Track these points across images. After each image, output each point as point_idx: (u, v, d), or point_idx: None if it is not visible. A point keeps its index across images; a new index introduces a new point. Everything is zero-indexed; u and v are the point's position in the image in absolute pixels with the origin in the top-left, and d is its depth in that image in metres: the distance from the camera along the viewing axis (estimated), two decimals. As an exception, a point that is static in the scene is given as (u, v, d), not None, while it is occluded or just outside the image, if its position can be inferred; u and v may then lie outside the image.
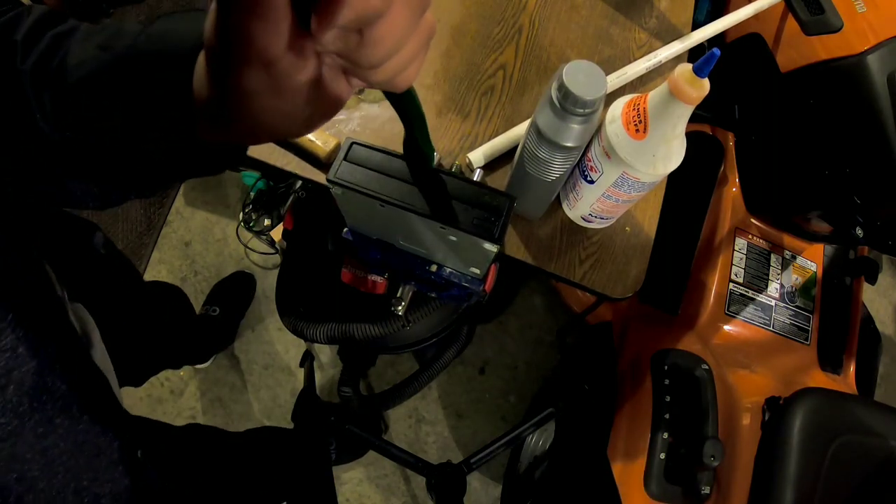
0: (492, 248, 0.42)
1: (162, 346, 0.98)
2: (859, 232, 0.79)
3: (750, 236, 1.00)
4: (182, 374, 1.38)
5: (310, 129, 0.28)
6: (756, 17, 0.72)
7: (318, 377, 1.36)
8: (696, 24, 0.75)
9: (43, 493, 0.32)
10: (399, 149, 0.44)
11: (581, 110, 0.43)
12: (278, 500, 0.90)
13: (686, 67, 0.41)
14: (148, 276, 1.45)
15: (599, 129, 0.50)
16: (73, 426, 0.33)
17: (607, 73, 0.67)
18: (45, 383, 0.31)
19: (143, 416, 0.62)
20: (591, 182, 0.53)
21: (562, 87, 0.42)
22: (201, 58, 0.27)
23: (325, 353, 1.42)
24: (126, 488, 0.37)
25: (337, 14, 0.20)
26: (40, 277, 0.37)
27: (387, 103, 0.65)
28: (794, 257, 1.02)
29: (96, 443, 0.35)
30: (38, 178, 0.35)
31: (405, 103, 0.32)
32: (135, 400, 1.35)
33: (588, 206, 0.57)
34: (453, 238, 0.44)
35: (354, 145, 0.44)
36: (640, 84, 0.71)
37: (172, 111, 0.29)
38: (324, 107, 0.26)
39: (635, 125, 0.47)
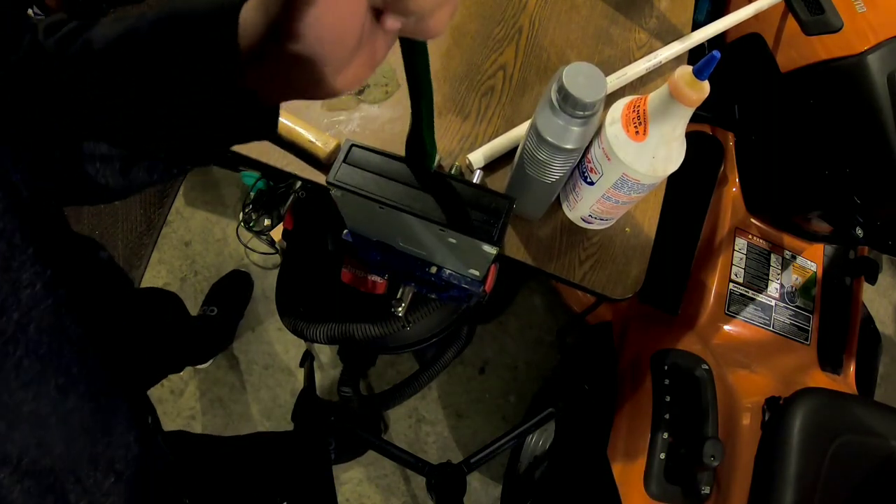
0: (491, 250, 0.42)
1: (159, 355, 0.97)
2: (859, 232, 0.79)
3: (750, 236, 1.00)
4: (182, 374, 1.38)
5: (346, 86, 0.29)
6: (756, 17, 0.71)
7: (318, 377, 1.36)
8: (696, 25, 0.75)
9: (60, 459, 0.31)
10: (399, 150, 0.44)
11: (581, 112, 0.43)
12: (278, 499, 0.90)
13: (686, 70, 0.41)
14: (148, 276, 1.45)
15: (599, 130, 0.50)
16: (90, 378, 0.32)
17: (607, 74, 0.67)
18: (63, 324, 0.31)
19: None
20: (591, 183, 0.53)
21: (561, 90, 0.42)
22: (249, 7, 0.27)
23: (325, 353, 1.42)
24: (137, 455, 0.36)
25: None
26: (59, 219, 0.36)
27: (387, 104, 0.65)
28: (794, 257, 1.02)
29: (111, 403, 0.34)
30: (56, 142, 0.34)
31: (419, 79, 0.33)
32: (135, 400, 1.35)
33: (588, 207, 0.57)
34: (452, 240, 0.44)
35: (354, 147, 0.44)
36: (640, 85, 0.71)
37: (219, 64, 0.29)
38: (364, 60, 0.28)
39: (635, 127, 0.47)
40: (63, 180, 0.35)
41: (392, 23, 0.26)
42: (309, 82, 0.28)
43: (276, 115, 0.34)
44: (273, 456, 0.93)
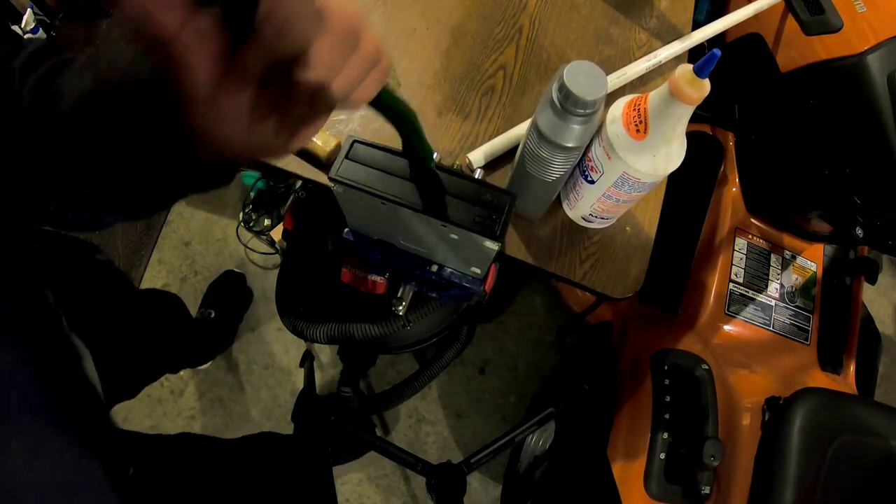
0: (493, 245, 0.43)
1: (155, 357, 0.97)
2: (859, 232, 0.79)
3: (750, 236, 1.01)
4: (182, 374, 1.37)
5: (279, 150, 0.29)
6: (756, 17, 0.72)
7: (318, 377, 1.36)
8: (696, 25, 0.75)
9: None
10: (400, 146, 0.44)
11: (581, 111, 0.43)
12: (278, 499, 0.90)
13: (686, 68, 0.41)
14: (148, 276, 1.45)
15: (600, 129, 0.50)
16: (63, 443, 0.33)
17: (607, 73, 0.67)
18: (38, 394, 0.31)
19: (134, 431, 0.62)
20: (592, 182, 0.53)
21: (562, 88, 0.42)
22: None
23: (325, 353, 1.42)
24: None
25: (252, 61, 0.22)
26: (35, 288, 0.37)
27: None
28: (794, 257, 1.02)
29: (84, 465, 0.35)
30: (29, 198, 0.35)
31: (390, 113, 0.33)
32: (134, 400, 1.34)
33: (588, 206, 0.57)
34: (454, 236, 0.44)
35: (356, 143, 0.44)
36: (640, 84, 0.71)
37: (166, 132, 0.30)
38: (291, 129, 0.28)
39: (636, 125, 0.47)
40: (35, 219, 0.36)
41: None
42: (235, 153, 0.28)
43: (230, 167, 0.35)
44: (273, 457, 0.93)
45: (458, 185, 0.43)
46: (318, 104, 0.27)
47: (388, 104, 0.33)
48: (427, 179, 0.42)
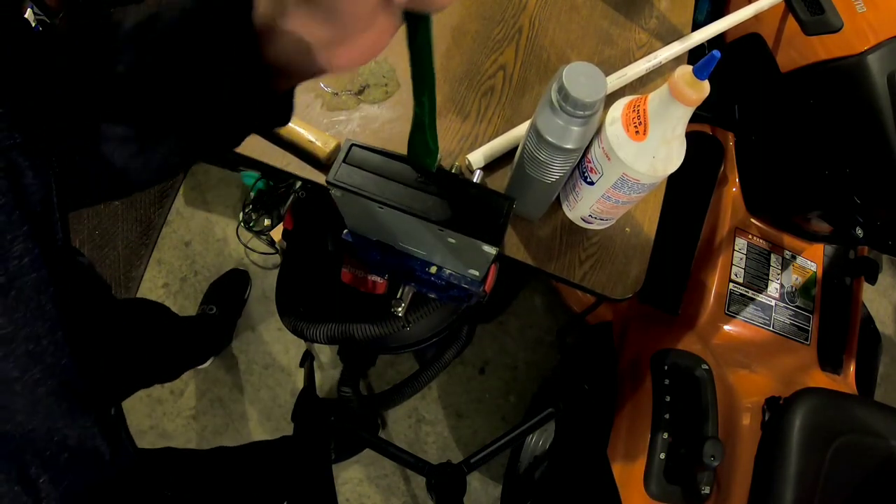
0: (491, 250, 0.43)
1: (137, 367, 0.96)
2: (859, 232, 0.79)
3: (750, 236, 1.00)
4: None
5: (352, 62, 0.31)
6: (756, 17, 0.72)
7: (318, 377, 1.36)
8: (697, 25, 0.75)
9: (20, 427, 0.33)
10: (399, 149, 0.44)
11: (581, 112, 0.43)
12: (278, 499, 0.90)
13: (686, 69, 0.41)
14: (148, 276, 1.45)
15: (599, 130, 0.50)
16: (56, 356, 0.34)
17: (607, 74, 0.67)
18: (40, 301, 0.32)
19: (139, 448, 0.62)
20: (591, 183, 0.53)
21: (562, 89, 0.42)
22: None
23: (325, 353, 1.42)
24: (94, 438, 0.38)
25: None
26: (52, 210, 0.37)
27: (386, 104, 0.65)
28: (794, 257, 1.02)
29: (74, 383, 0.36)
30: (73, 126, 0.35)
31: (423, 53, 0.35)
32: (135, 400, 1.35)
33: (588, 207, 0.57)
34: (452, 240, 0.44)
35: (354, 147, 0.44)
36: (640, 85, 0.71)
37: (237, 47, 0.31)
38: (371, 38, 0.30)
39: (635, 127, 0.47)
40: (77, 168, 0.36)
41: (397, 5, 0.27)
42: (317, 54, 0.29)
43: (291, 101, 0.36)
44: (273, 461, 0.93)
45: (456, 189, 0.43)
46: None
47: (424, 56, 0.35)
48: (429, 179, 0.42)
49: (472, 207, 0.42)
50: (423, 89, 0.37)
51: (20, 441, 0.33)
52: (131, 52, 0.32)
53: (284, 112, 0.36)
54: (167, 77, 0.32)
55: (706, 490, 0.76)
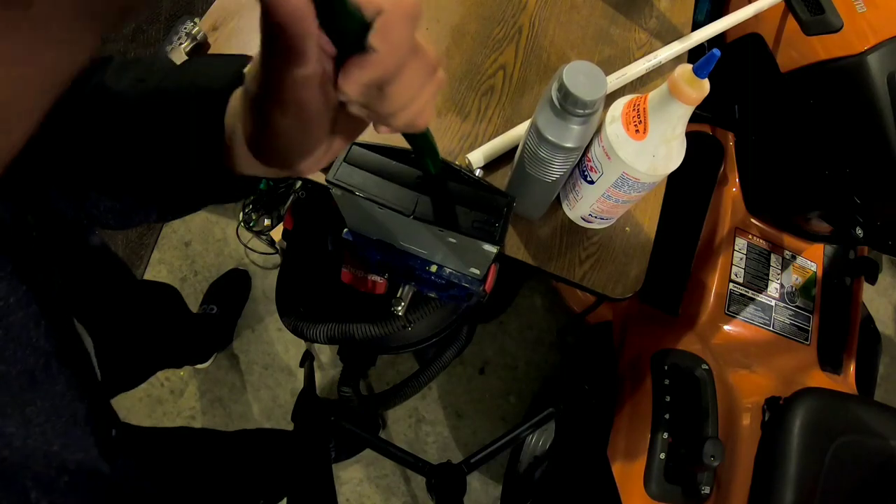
0: (492, 249, 0.42)
1: (156, 347, 0.97)
2: (859, 232, 0.79)
3: (750, 236, 1.00)
4: (182, 374, 1.38)
5: (326, 161, 0.32)
6: (756, 16, 0.72)
7: (318, 377, 1.36)
8: (696, 25, 0.75)
9: (17, 453, 0.33)
10: (400, 145, 0.44)
11: (581, 111, 0.43)
12: (278, 498, 0.90)
13: (686, 68, 0.41)
14: (148, 277, 1.45)
15: (599, 129, 0.50)
16: (51, 385, 0.34)
17: (607, 74, 0.67)
18: (31, 337, 0.33)
19: (131, 424, 0.62)
20: (591, 182, 0.53)
21: (562, 88, 0.42)
22: (237, 96, 0.32)
23: (325, 353, 1.42)
24: (95, 460, 0.38)
25: (358, 75, 0.24)
26: (37, 247, 0.38)
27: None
28: (794, 257, 1.02)
29: (71, 408, 0.36)
30: (64, 191, 0.36)
31: (419, 140, 0.34)
32: (134, 400, 1.35)
33: (588, 206, 0.57)
34: (453, 240, 0.44)
35: (354, 146, 0.44)
36: (640, 84, 0.71)
37: (205, 141, 0.33)
38: (341, 143, 0.31)
39: (635, 125, 0.47)
40: (65, 218, 0.38)
41: (358, 111, 0.27)
42: (289, 163, 0.30)
43: (255, 181, 0.38)
44: (275, 452, 0.93)
45: (457, 188, 0.43)
46: (392, 122, 0.28)
47: (424, 136, 0.34)
48: (435, 188, 0.42)
49: (473, 207, 0.42)
50: (424, 158, 0.37)
51: (19, 466, 0.33)
52: (109, 123, 0.34)
53: (248, 190, 0.39)
54: (139, 157, 0.34)
55: (706, 490, 0.76)
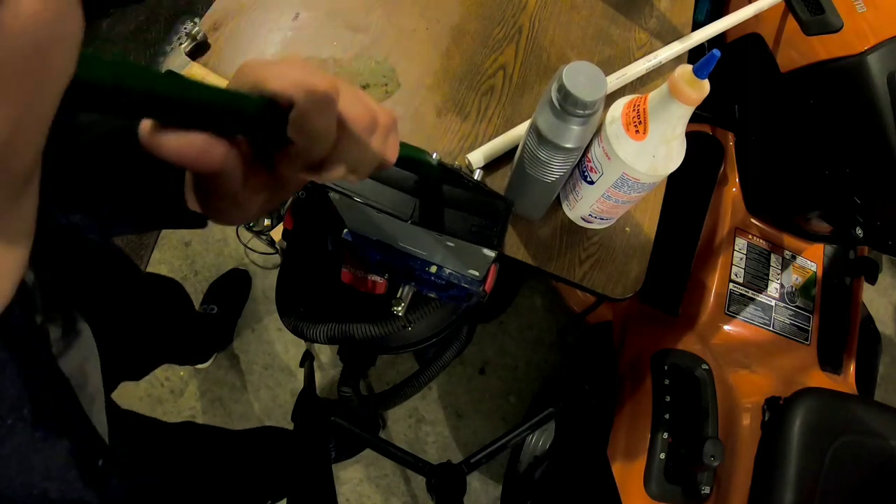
0: (491, 253, 0.43)
1: (161, 339, 0.97)
2: (859, 232, 0.79)
3: (750, 236, 1.00)
4: (182, 373, 1.38)
5: (271, 207, 0.33)
6: (756, 16, 0.72)
7: (318, 377, 1.36)
8: (697, 25, 0.75)
9: None
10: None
11: (581, 112, 0.43)
12: (278, 497, 0.90)
13: (686, 68, 0.41)
14: (148, 276, 1.46)
15: (599, 129, 0.50)
16: (24, 427, 0.33)
17: (607, 74, 0.67)
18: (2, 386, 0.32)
19: (135, 412, 0.62)
20: (591, 183, 0.53)
21: (561, 89, 0.42)
22: None
23: (325, 353, 1.42)
24: (81, 491, 0.37)
25: (288, 166, 0.26)
26: None
27: (386, 104, 0.65)
28: (794, 257, 1.02)
29: (46, 446, 0.35)
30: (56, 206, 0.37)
31: (402, 164, 0.35)
32: (134, 399, 1.35)
33: (588, 206, 0.57)
34: (451, 243, 0.44)
35: None
36: (640, 84, 0.71)
37: (167, 184, 0.35)
38: (286, 193, 0.31)
39: (635, 126, 0.47)
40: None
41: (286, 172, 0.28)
42: (232, 223, 0.31)
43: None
44: (275, 450, 0.93)
45: (455, 192, 0.43)
46: (353, 177, 0.29)
47: (405, 157, 0.34)
48: (432, 192, 0.42)
49: (471, 212, 0.42)
50: (421, 169, 0.38)
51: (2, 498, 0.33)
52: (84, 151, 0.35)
53: (201, 224, 0.40)
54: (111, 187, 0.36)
55: (706, 490, 0.76)
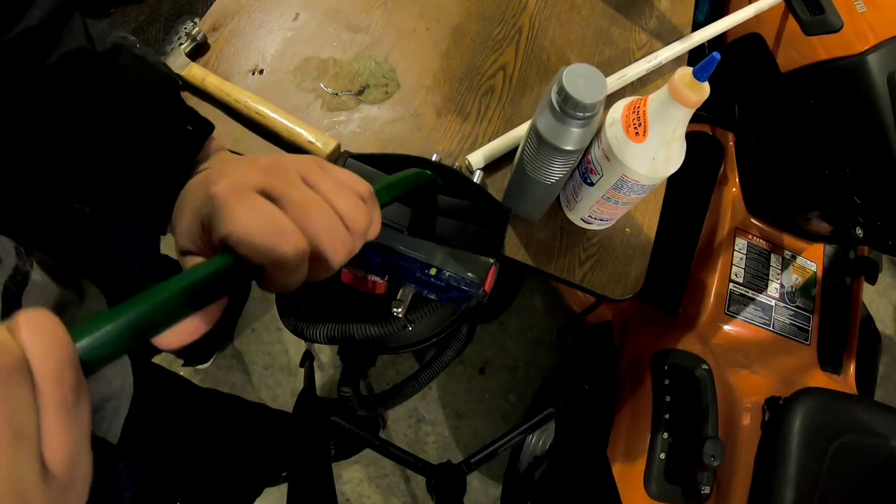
0: (489, 260, 0.42)
1: None
2: (859, 232, 0.79)
3: (750, 236, 1.00)
4: (182, 374, 1.38)
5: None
6: (756, 17, 0.71)
7: (318, 377, 1.36)
8: (697, 25, 0.75)
9: None
10: (399, 150, 0.44)
11: (581, 114, 0.43)
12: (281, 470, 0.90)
13: (686, 71, 0.41)
14: (148, 276, 1.45)
15: (599, 131, 0.50)
16: None
17: (607, 74, 0.67)
18: None
19: (167, 370, 0.63)
20: (591, 184, 0.53)
21: (561, 91, 0.42)
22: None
23: (325, 353, 1.42)
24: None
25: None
26: None
27: (386, 105, 0.65)
28: (794, 257, 1.02)
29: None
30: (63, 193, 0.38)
31: (403, 198, 0.36)
32: (135, 400, 1.35)
33: (588, 207, 0.57)
34: (450, 251, 0.44)
35: (350, 159, 0.44)
36: (640, 85, 0.71)
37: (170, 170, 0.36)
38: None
39: (635, 128, 0.47)
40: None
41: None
42: None
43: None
44: (283, 427, 0.93)
45: (453, 202, 0.42)
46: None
47: (397, 197, 0.35)
48: (426, 207, 0.42)
49: (470, 220, 0.42)
50: (422, 192, 0.39)
51: None
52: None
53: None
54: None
55: (706, 490, 0.76)
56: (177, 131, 0.36)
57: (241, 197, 0.25)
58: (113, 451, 0.45)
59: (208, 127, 0.38)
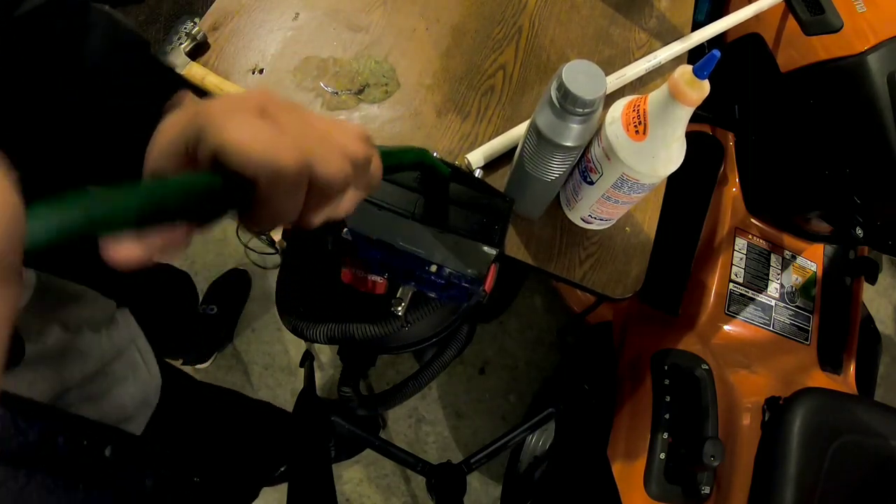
0: (491, 250, 0.43)
1: (168, 328, 0.98)
2: (859, 232, 0.79)
3: (750, 236, 1.00)
4: (182, 374, 1.38)
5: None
6: (756, 16, 0.72)
7: (318, 377, 1.36)
8: (697, 25, 0.75)
9: None
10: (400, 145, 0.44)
11: (581, 110, 0.43)
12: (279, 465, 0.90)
13: (686, 69, 0.41)
14: (148, 276, 1.45)
15: (599, 130, 0.50)
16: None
17: (607, 74, 0.67)
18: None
19: (172, 364, 0.63)
20: (591, 183, 0.53)
21: (561, 87, 0.42)
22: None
23: (325, 353, 1.42)
24: None
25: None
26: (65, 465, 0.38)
27: (386, 104, 0.66)
28: (794, 257, 1.02)
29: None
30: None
31: (402, 168, 0.35)
32: (135, 400, 1.35)
33: (588, 207, 0.57)
34: (452, 241, 0.44)
35: None
36: (640, 85, 0.71)
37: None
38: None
39: (635, 127, 0.47)
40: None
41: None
42: None
43: None
44: (283, 423, 0.94)
45: (457, 191, 0.43)
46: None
47: (395, 166, 0.34)
48: (435, 190, 0.42)
49: (473, 210, 0.42)
50: (422, 168, 0.38)
51: None
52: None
53: None
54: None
55: (706, 490, 0.76)
56: (147, 85, 0.36)
57: (234, 114, 0.23)
58: (137, 442, 0.45)
59: (180, 82, 0.38)
